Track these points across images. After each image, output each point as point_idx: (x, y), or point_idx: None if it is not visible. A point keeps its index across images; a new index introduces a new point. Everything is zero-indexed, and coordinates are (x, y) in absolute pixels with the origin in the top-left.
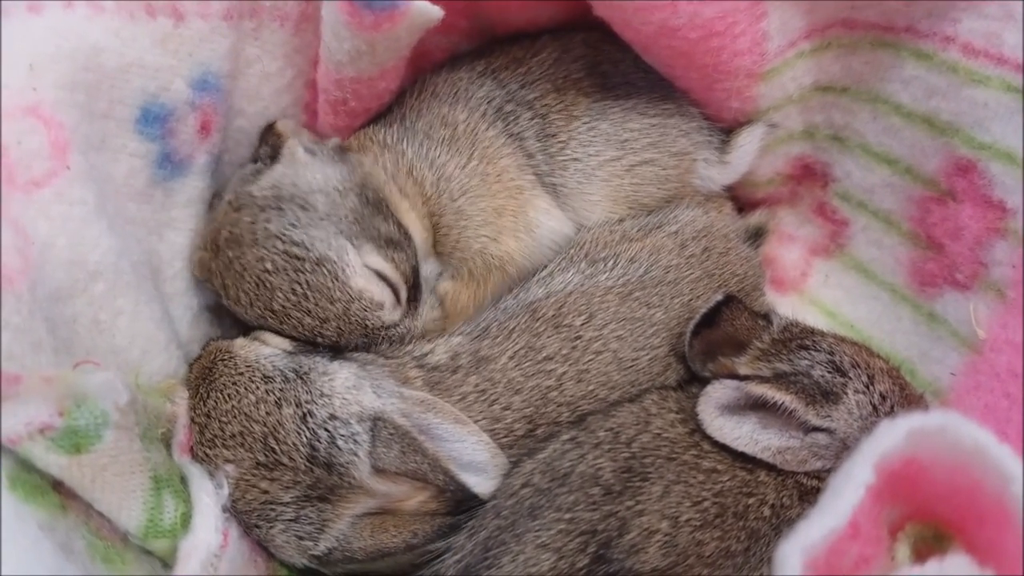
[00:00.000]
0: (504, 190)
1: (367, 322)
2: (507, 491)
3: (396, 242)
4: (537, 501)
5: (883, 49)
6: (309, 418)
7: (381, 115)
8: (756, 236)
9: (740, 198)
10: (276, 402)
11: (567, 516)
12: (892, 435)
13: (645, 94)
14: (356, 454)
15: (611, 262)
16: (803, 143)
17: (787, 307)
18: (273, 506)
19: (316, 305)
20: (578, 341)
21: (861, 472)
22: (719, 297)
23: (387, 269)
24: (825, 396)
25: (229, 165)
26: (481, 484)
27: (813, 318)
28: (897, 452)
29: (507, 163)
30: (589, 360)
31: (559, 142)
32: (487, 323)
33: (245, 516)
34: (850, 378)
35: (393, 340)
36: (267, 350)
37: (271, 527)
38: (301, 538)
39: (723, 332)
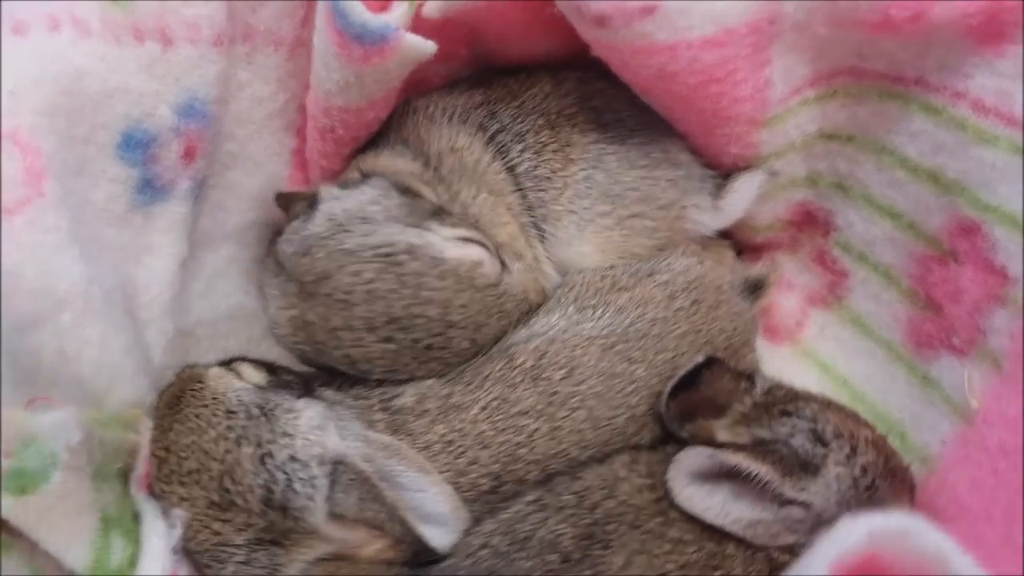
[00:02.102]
0: (513, 221)
1: (479, 284)
2: (465, 550)
3: (448, 211)
4: (494, 565)
5: (891, 100)
6: (268, 459)
7: (374, 141)
8: (755, 288)
9: (739, 242)
10: (236, 440)
11: None
12: (852, 535)
13: (636, 136)
14: (313, 499)
15: (599, 311)
16: (806, 189)
17: (780, 358)
18: (225, 548)
19: (432, 291)
20: (555, 396)
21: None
22: (700, 359)
23: (461, 232)
24: (803, 467)
25: (215, 189)
26: (440, 538)
27: (806, 371)
28: (856, 552)
29: (512, 200)
30: (564, 417)
31: (555, 188)
32: (464, 366)
33: (198, 556)
34: (831, 449)
35: (515, 308)
36: (238, 383)
37: (223, 568)
38: None
39: (702, 394)
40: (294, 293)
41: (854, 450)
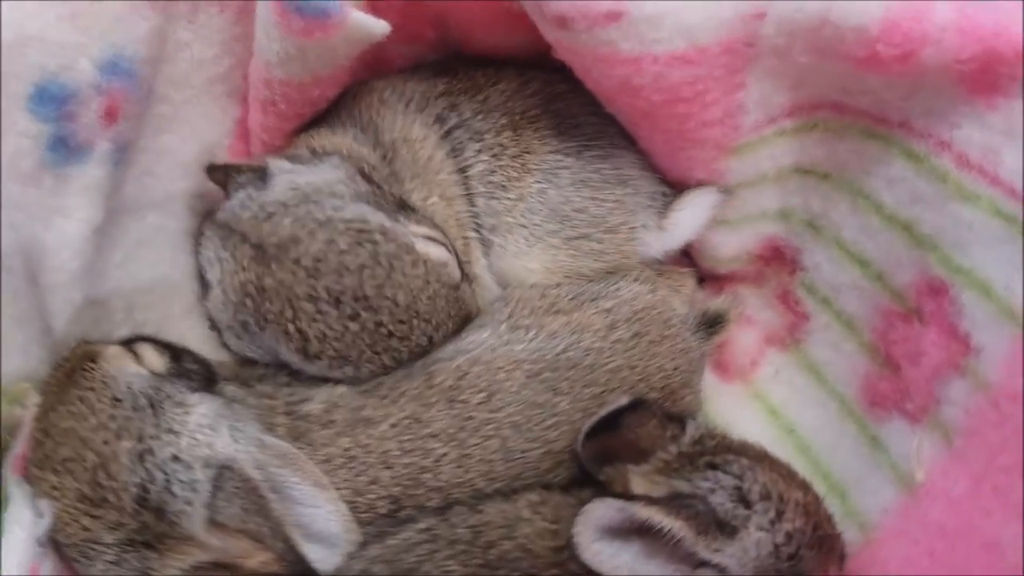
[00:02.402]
0: (458, 234)
1: (445, 281)
2: (344, 573)
3: (413, 207)
4: None
5: (873, 141)
6: (148, 456)
7: (322, 118)
8: (713, 323)
9: (701, 272)
10: (117, 431)
11: None
12: None
13: (592, 149)
14: (191, 503)
15: (532, 332)
16: (776, 224)
17: (729, 397)
18: (94, 545)
19: (405, 276)
20: (468, 421)
21: None
22: (624, 401)
23: (429, 231)
24: (720, 527)
25: (144, 153)
26: (324, 560)
27: (754, 414)
28: None
29: (460, 208)
30: (475, 444)
31: (509, 199)
32: (384, 377)
33: (67, 549)
34: (755, 511)
35: (468, 312)
36: (132, 368)
37: (91, 565)
38: None
39: (624, 439)
40: (250, 257)
41: (780, 515)
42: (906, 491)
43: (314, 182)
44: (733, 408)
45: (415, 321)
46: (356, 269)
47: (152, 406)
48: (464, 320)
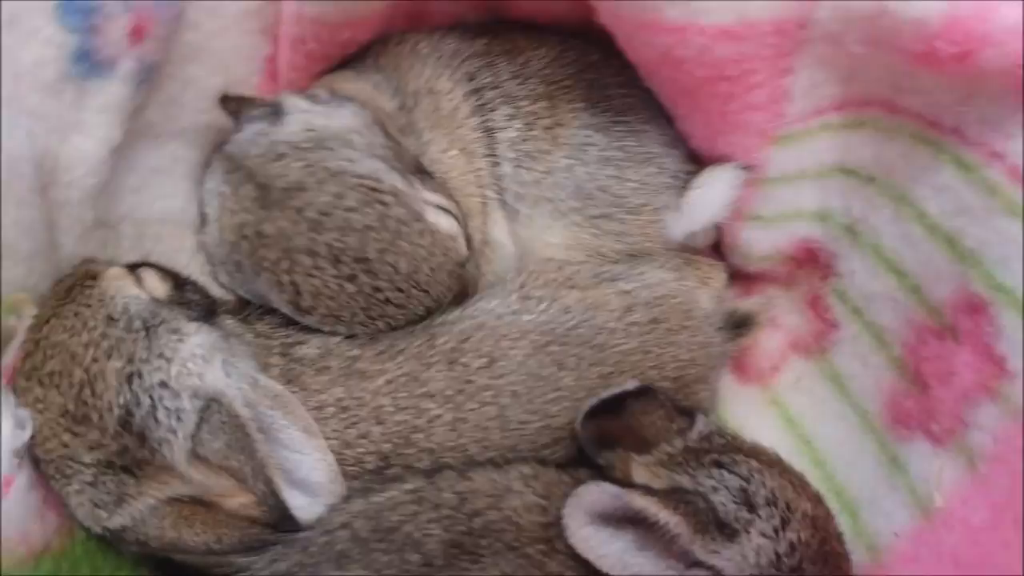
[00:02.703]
0: (477, 192)
1: (451, 256)
2: (324, 526)
3: (429, 172)
4: (349, 549)
5: (923, 146)
6: (136, 379)
7: (349, 62)
8: (740, 325)
9: (730, 268)
10: (107, 350)
11: None
12: None
13: (619, 125)
14: (174, 432)
15: (544, 304)
16: (813, 225)
17: (745, 401)
18: (71, 463)
19: (410, 243)
20: (467, 385)
21: None
22: (630, 386)
23: (442, 200)
24: (720, 528)
25: (170, 80)
26: (305, 508)
27: (770, 421)
28: None
29: (481, 165)
30: (472, 409)
31: (538, 171)
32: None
33: (44, 464)
34: (759, 516)
35: (467, 289)
36: (132, 291)
37: (68, 484)
38: (96, 505)
39: (626, 425)
40: (252, 198)
41: (785, 524)
42: (922, 516)
43: (330, 127)
44: (748, 412)
45: (414, 291)
46: (362, 229)
47: (146, 330)
48: (461, 296)
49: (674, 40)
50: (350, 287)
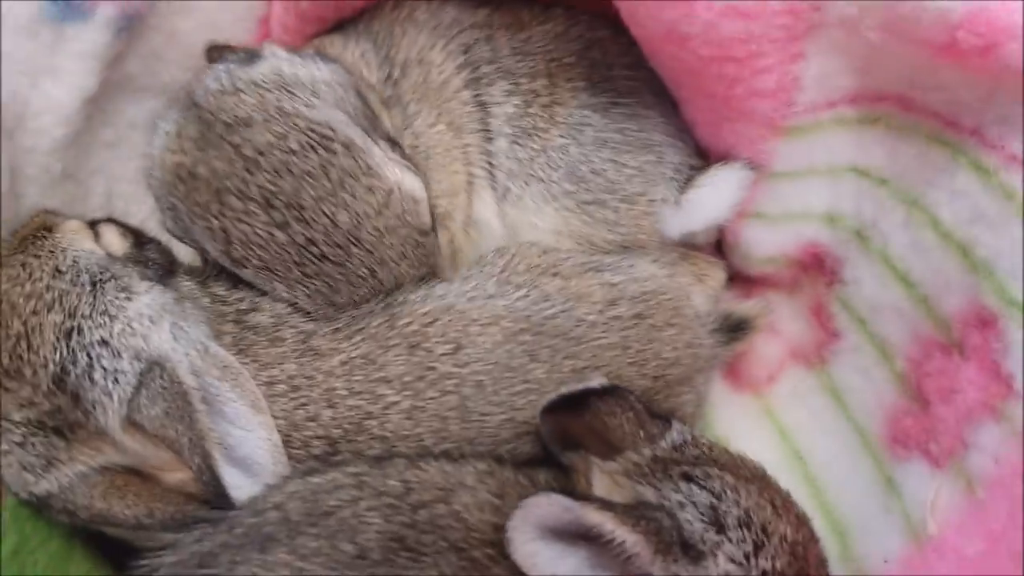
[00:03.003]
0: (463, 170)
1: (408, 220)
2: (256, 505)
3: (401, 145)
4: (276, 532)
5: (939, 147)
6: (75, 335)
7: (342, 26)
8: (736, 328)
9: (730, 268)
10: (49, 303)
11: (298, 564)
12: None
13: (619, 107)
14: (110, 394)
15: (523, 290)
16: (820, 227)
17: (737, 409)
18: (1, 421)
19: (353, 197)
20: (429, 372)
21: None
22: (594, 383)
23: (411, 166)
24: (684, 549)
25: (154, 32)
26: (241, 488)
27: (762, 433)
28: None
29: (471, 141)
30: (431, 398)
31: (533, 148)
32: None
33: None
34: (728, 538)
35: (434, 255)
36: (87, 245)
37: None
38: (24, 468)
39: (589, 426)
40: (193, 137)
41: (759, 549)
42: (914, 542)
43: (300, 74)
44: (739, 421)
45: (354, 249)
46: (298, 174)
47: (93, 284)
48: (426, 271)
49: (679, 14)
50: (280, 235)
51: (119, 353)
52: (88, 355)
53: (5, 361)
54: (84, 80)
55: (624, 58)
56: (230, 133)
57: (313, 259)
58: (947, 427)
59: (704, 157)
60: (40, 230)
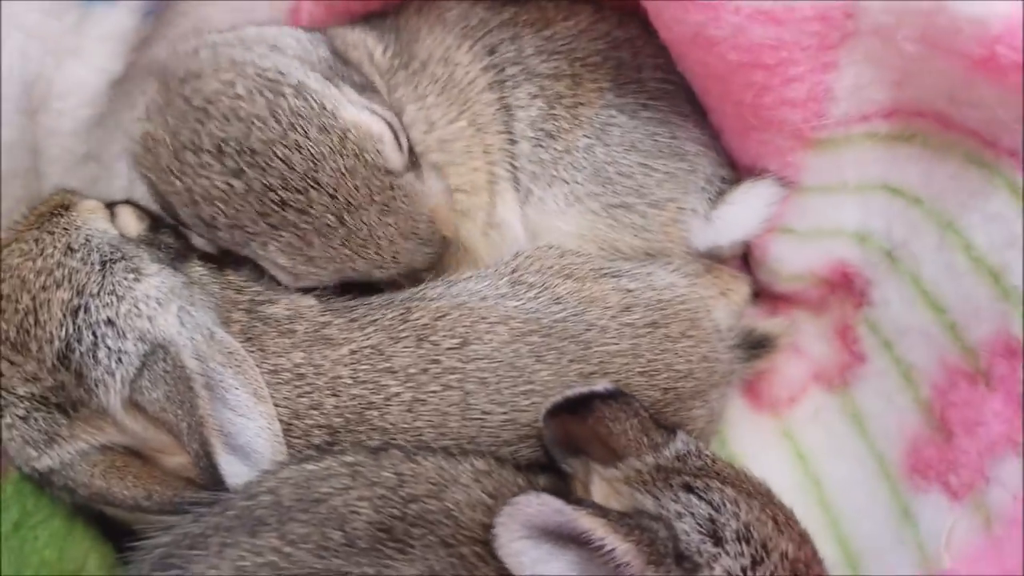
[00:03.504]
0: (484, 168)
1: (368, 158)
2: (249, 489)
3: (377, 91)
4: (267, 516)
5: (976, 168)
6: (82, 313)
7: (368, 19)
8: (757, 346)
9: (756, 284)
10: (58, 280)
11: (286, 549)
12: None
13: (649, 110)
14: (112, 374)
15: (535, 291)
16: (850, 245)
17: (755, 429)
18: (5, 394)
19: (305, 138)
20: (433, 365)
21: None
22: (599, 387)
23: (375, 107)
24: (678, 560)
25: (184, 17)
26: (238, 476)
27: (779, 455)
28: None
29: (493, 141)
30: (433, 392)
31: (556, 149)
32: (358, 302)
33: None
34: (725, 552)
35: (411, 218)
36: (102, 225)
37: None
38: (27, 443)
39: (592, 431)
40: (157, 104)
41: (756, 564)
42: (927, 574)
43: (263, 32)
44: (756, 441)
45: (314, 193)
46: (245, 118)
47: (103, 264)
48: (410, 217)
49: (707, 17)
50: (238, 184)
51: (124, 333)
52: (93, 333)
53: (12, 334)
54: (110, 63)
55: (656, 59)
56: (182, 87)
57: (274, 206)
58: (969, 460)
59: (732, 167)
60: (58, 208)
